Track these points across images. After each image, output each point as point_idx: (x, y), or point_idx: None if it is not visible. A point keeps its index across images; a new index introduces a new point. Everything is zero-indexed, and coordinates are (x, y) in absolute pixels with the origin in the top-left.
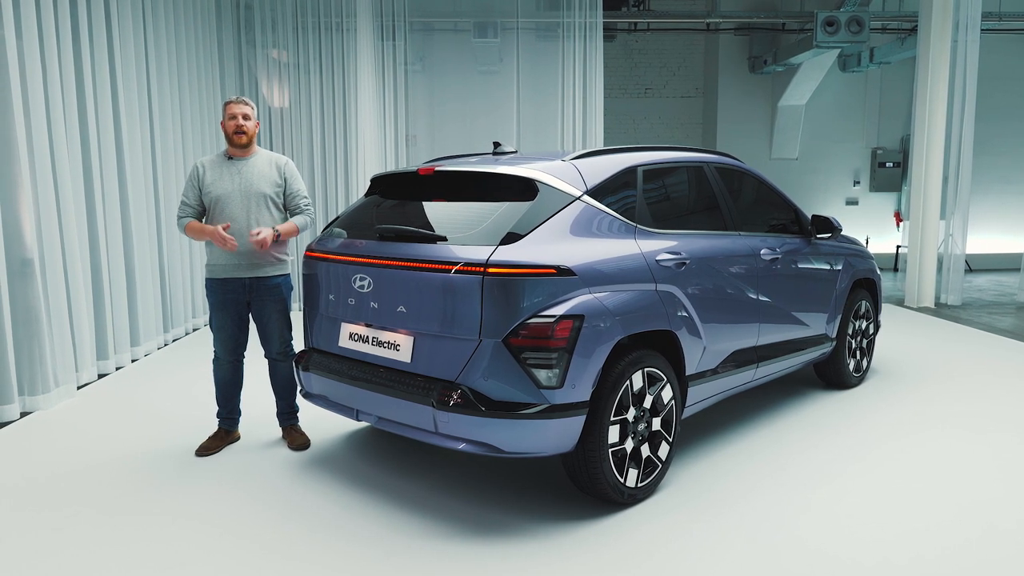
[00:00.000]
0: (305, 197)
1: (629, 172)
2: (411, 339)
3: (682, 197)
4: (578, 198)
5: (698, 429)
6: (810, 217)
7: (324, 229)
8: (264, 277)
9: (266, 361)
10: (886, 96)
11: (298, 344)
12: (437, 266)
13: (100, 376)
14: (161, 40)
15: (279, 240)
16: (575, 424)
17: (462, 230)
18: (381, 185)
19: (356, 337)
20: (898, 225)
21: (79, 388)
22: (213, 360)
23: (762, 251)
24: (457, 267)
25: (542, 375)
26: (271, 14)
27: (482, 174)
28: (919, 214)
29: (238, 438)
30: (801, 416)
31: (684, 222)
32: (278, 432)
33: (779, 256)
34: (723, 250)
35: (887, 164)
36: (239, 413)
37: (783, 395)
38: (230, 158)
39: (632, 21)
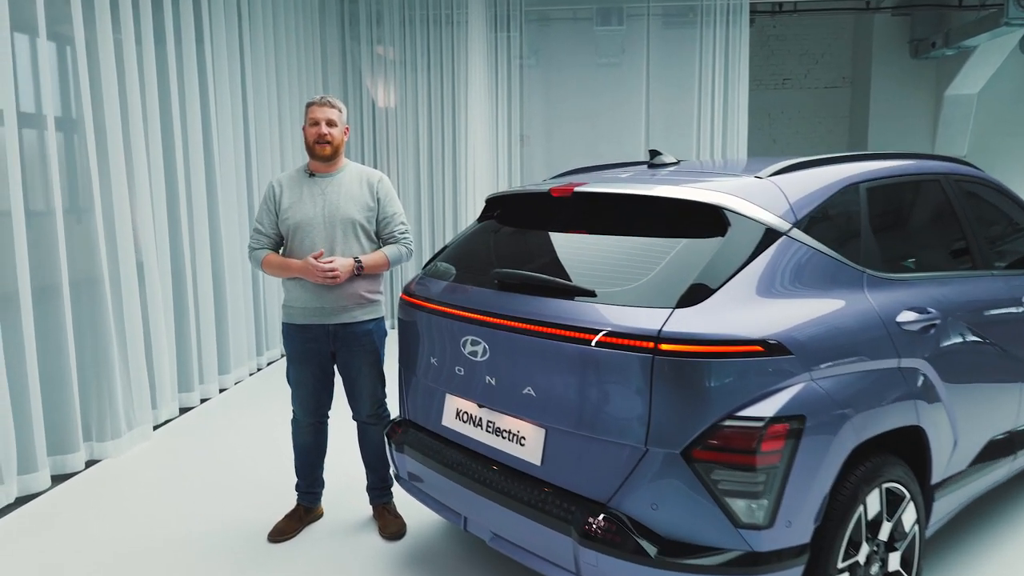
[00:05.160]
0: (403, 223)
1: (849, 192)
2: (542, 433)
3: (918, 225)
4: (786, 233)
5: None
6: None
7: (427, 264)
8: (352, 323)
9: (354, 423)
10: None
11: (392, 401)
12: (581, 335)
13: (182, 411)
14: (258, 35)
15: (361, 273)
16: None
17: (617, 281)
18: (499, 207)
19: (465, 417)
20: None
21: (156, 428)
22: (292, 421)
23: None
24: (600, 336)
25: (742, 507)
26: (377, 7)
27: (643, 198)
28: None
29: (320, 515)
30: None
31: (924, 262)
32: (367, 509)
33: None
34: (978, 299)
35: None
36: (322, 485)
37: None
38: (311, 175)
39: (778, 2)
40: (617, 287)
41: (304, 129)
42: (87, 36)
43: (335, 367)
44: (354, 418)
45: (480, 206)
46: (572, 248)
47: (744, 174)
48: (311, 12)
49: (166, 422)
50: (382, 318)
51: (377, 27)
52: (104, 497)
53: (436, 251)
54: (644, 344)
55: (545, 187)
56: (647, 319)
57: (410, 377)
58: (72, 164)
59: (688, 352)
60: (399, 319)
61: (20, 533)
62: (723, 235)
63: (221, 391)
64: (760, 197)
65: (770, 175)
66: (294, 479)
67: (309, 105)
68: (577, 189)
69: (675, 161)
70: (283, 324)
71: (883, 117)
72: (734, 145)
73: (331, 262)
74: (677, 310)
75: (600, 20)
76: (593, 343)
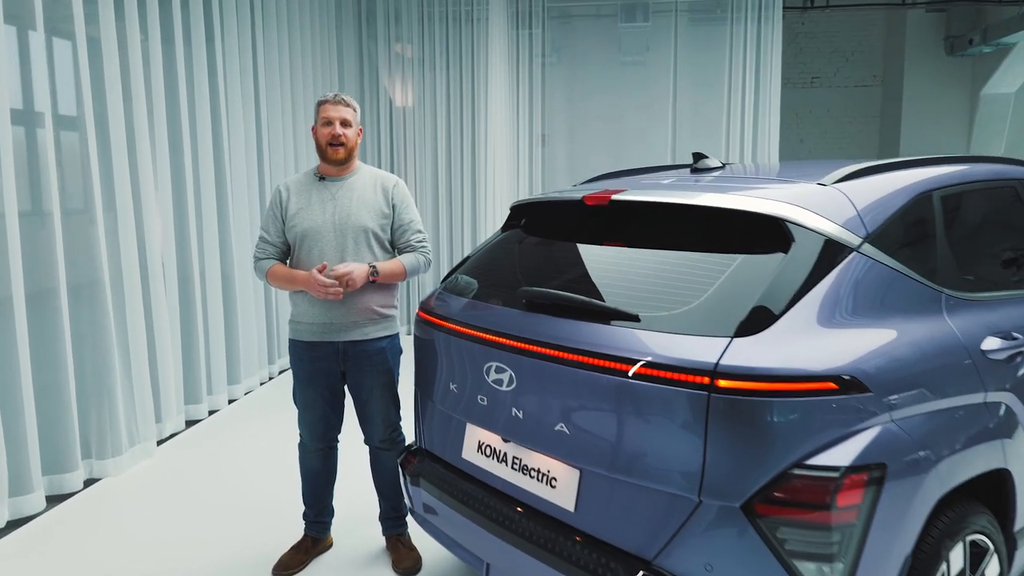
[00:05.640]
0: (420, 231)
1: (922, 202)
2: (576, 475)
3: (996, 238)
4: (856, 249)
5: None
6: None
7: (446, 277)
8: (364, 340)
9: (366, 447)
10: None
11: (407, 424)
12: (623, 367)
13: (189, 424)
14: (271, 33)
15: (375, 282)
16: None
17: (662, 303)
18: (525, 215)
19: (488, 451)
20: None
21: (160, 443)
22: (299, 446)
23: None
24: (638, 367)
25: (812, 570)
26: (395, 4)
27: (691, 208)
28: None
29: (329, 546)
30: None
31: (1003, 280)
32: (380, 540)
33: None
34: None
35: None
36: (331, 513)
37: None
38: (322, 178)
39: None
40: (663, 311)
41: (315, 129)
42: (89, 32)
43: (345, 388)
44: (366, 442)
45: (501, 211)
46: (609, 264)
47: (804, 180)
48: (327, 9)
49: (171, 436)
50: (396, 335)
51: (395, 24)
52: (102, 519)
53: (456, 262)
54: (698, 379)
55: (578, 194)
56: (701, 350)
57: (427, 402)
58: (72, 164)
59: (751, 389)
60: (415, 337)
61: (12, 560)
62: (785, 251)
63: (230, 402)
64: (826, 207)
65: (835, 182)
66: (301, 504)
67: (321, 103)
68: (615, 197)
69: (720, 165)
70: (290, 341)
71: (916, 117)
72: (765, 147)
73: (345, 269)
74: (736, 339)
75: (625, 16)
76: (630, 374)
